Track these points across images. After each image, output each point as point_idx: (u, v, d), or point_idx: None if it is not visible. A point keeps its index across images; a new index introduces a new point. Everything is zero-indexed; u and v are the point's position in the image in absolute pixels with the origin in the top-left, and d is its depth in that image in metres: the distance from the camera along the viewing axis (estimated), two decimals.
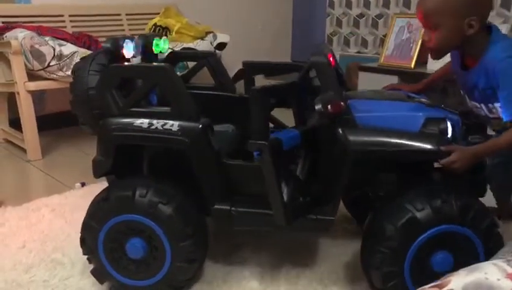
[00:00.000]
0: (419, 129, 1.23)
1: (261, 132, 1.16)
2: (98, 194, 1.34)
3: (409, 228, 1.17)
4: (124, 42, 1.38)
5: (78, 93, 1.38)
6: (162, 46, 1.60)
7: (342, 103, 1.19)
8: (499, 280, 0.55)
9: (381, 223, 1.22)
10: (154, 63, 1.40)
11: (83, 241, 1.35)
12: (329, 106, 1.15)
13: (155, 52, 1.59)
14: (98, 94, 1.32)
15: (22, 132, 2.60)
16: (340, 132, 1.22)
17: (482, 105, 1.41)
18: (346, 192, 1.63)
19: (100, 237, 1.31)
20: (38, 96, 2.87)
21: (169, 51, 1.77)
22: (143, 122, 1.27)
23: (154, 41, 1.58)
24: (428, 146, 1.19)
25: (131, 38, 1.45)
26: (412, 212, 1.17)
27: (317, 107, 1.15)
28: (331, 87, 1.21)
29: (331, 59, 1.39)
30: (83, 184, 2.19)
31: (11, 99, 2.72)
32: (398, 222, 1.18)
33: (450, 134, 1.23)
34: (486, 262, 0.61)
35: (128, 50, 1.39)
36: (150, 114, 1.29)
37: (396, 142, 1.20)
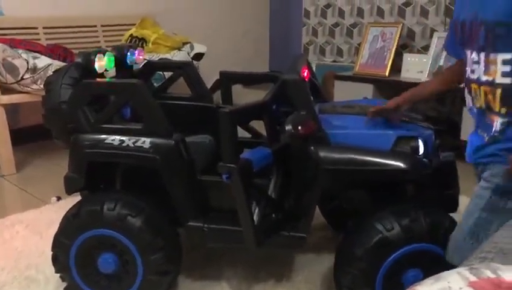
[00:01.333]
0: (391, 147, 1.24)
1: (230, 154, 1.14)
2: (69, 209, 1.33)
3: (379, 249, 1.18)
4: (95, 56, 1.37)
5: (51, 107, 1.37)
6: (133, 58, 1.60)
7: (313, 124, 1.18)
8: (461, 288, 0.56)
9: (351, 244, 1.22)
10: (126, 79, 1.39)
11: (55, 259, 1.33)
12: (299, 127, 1.15)
13: (128, 63, 1.59)
14: (69, 110, 1.31)
15: None
16: (312, 149, 1.21)
17: (482, 56, 1.10)
18: (321, 203, 1.64)
19: (71, 252, 1.30)
20: (12, 110, 2.82)
21: (145, 61, 1.77)
22: (114, 139, 1.26)
23: (128, 53, 1.58)
24: (398, 165, 1.19)
25: (105, 51, 1.44)
26: (381, 233, 1.17)
27: (288, 128, 1.14)
28: (303, 107, 1.21)
29: (305, 72, 1.40)
30: (58, 198, 2.16)
31: None
32: (369, 242, 1.18)
33: (421, 151, 1.24)
34: (451, 270, 0.62)
35: (100, 64, 1.38)
36: (121, 131, 1.28)
37: (367, 161, 1.20)
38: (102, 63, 1.40)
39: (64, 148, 1.42)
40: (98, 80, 1.38)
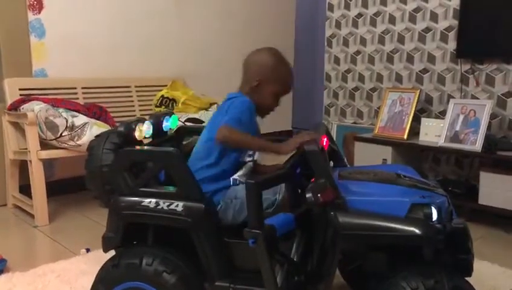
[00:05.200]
0: (405, 214, 1.30)
1: (256, 220, 1.23)
2: (108, 260, 1.42)
3: None
4: (136, 126, 1.50)
5: (92, 170, 1.49)
6: (171, 123, 1.74)
7: (332, 192, 1.26)
8: None
9: None
10: (163, 148, 1.51)
11: None
12: (319, 195, 1.23)
13: (164, 130, 1.73)
14: (110, 174, 1.42)
15: (31, 197, 2.70)
16: (332, 215, 1.29)
17: None
18: (340, 264, 1.70)
19: None
20: (47, 163, 2.99)
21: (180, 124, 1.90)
22: (150, 201, 1.38)
23: (163, 120, 1.73)
24: (412, 231, 1.25)
25: (143, 120, 1.58)
26: None
27: (308, 195, 1.23)
28: (322, 176, 1.30)
29: (324, 141, 1.50)
30: (87, 250, 2.25)
31: (21, 166, 2.86)
32: None
33: (434, 218, 1.30)
34: None
35: (140, 133, 1.51)
36: (157, 194, 1.39)
37: (383, 227, 1.27)
38: (142, 132, 1.53)
39: (102, 207, 1.53)
40: (138, 147, 1.50)
